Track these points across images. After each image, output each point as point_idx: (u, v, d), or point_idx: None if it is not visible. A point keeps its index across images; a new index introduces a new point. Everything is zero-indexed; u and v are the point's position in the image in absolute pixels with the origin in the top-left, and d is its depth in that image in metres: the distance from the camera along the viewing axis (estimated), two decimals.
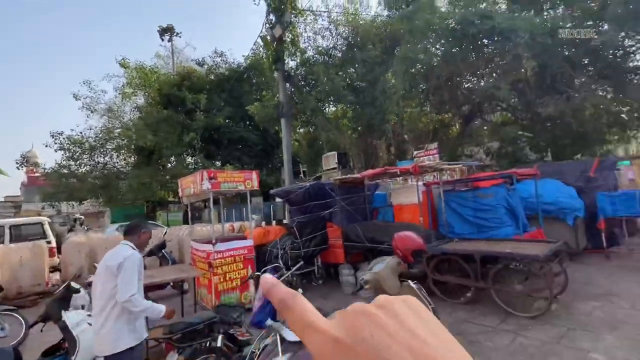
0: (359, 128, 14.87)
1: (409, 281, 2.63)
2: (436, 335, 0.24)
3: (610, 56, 10.84)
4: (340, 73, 13.61)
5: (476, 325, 3.97)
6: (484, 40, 9.54)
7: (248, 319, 3.46)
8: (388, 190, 8.22)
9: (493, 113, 14.25)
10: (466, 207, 5.90)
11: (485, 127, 9.83)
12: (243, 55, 25.74)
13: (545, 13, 11.67)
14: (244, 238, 5.83)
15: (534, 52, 9.58)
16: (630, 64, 10.98)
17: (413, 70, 10.77)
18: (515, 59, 8.75)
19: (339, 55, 13.87)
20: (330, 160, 12.53)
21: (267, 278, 0.32)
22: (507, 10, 10.49)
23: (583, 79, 11.61)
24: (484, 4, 11.29)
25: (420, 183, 6.74)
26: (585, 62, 11.50)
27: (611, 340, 3.35)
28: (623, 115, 10.68)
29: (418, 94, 11.92)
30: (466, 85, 10.56)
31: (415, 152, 10.04)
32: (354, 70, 14.04)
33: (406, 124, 12.94)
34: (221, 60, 20.67)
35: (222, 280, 5.16)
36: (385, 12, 13.20)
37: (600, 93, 11.96)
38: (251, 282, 4.95)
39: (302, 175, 15.39)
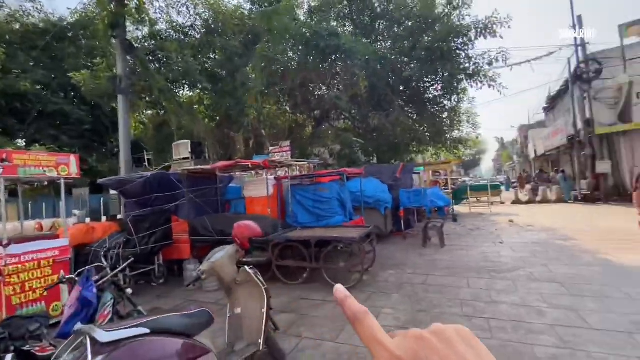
0: (217, 118, 14.31)
1: (245, 267, 2.82)
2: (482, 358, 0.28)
3: (416, 87, 14.52)
4: (198, 56, 12.70)
5: (308, 301, 4.61)
6: (332, 56, 10.96)
7: (54, 331, 2.85)
8: (243, 183, 8.34)
9: (338, 120, 16.56)
10: (308, 199, 6.70)
11: (330, 132, 11.35)
12: (68, 8, 20.16)
13: (378, 44, 14.45)
14: (56, 237, 4.70)
15: (368, 73, 11.73)
16: (428, 96, 15.03)
17: (274, 68, 11.24)
18: (354, 77, 10.47)
19: (197, 36, 12.91)
20: (182, 149, 11.52)
21: (341, 289, 0.37)
22: (352, 34, 12.42)
23: (399, 102, 15.04)
24: (335, 23, 12.95)
25: (271, 177, 7.16)
26: (401, 88, 14.97)
27: (397, 297, 4.57)
28: (424, 134, 14.52)
29: (276, 93, 12.52)
30: (317, 93, 11.87)
31: (270, 148, 10.54)
32: (213, 56, 13.37)
33: (264, 119, 13.38)
34: (33, 6, 15.59)
35: (18, 291, 4.01)
36: (248, 6, 13.17)
37: (409, 114, 15.83)
38: (64, 287, 4.08)
39: (146, 164, 13.51)
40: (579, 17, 14.70)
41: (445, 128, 14.69)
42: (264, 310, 2.71)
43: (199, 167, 6.60)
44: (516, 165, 39.70)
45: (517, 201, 16.97)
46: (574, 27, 14.71)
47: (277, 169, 7.71)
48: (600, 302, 3.81)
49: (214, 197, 7.40)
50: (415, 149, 16.06)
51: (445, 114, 14.96)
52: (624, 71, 13.05)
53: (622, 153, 13.27)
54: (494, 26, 11.22)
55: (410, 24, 12.44)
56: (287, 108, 14.23)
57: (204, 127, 12.99)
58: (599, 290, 4.17)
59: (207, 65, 13.48)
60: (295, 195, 6.75)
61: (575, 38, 14.55)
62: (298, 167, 8.39)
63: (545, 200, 15.82)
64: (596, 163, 13.89)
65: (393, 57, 13.18)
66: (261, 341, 2.65)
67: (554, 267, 5.34)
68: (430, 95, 14.91)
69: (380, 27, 14.12)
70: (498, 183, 20.28)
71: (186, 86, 13.87)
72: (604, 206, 12.57)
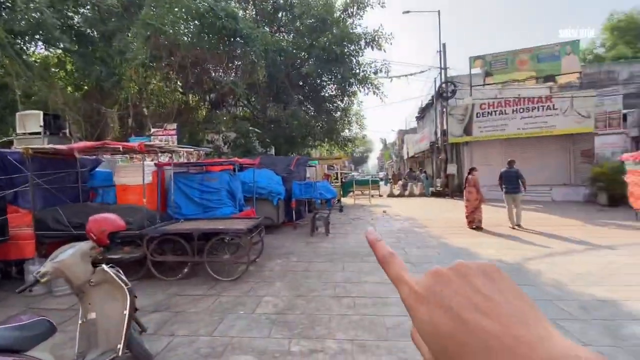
0: (85, 88, 11.88)
1: (103, 266, 2.48)
2: (501, 292, 0.28)
3: (313, 84, 15.18)
4: (59, 8, 10.20)
5: (186, 297, 4.37)
6: (230, 38, 10.41)
7: None
8: (115, 168, 7.17)
9: (236, 106, 15.93)
10: (194, 189, 6.28)
11: (225, 118, 10.83)
12: None
13: (279, 35, 14.43)
14: None
15: (267, 63, 11.63)
16: (324, 94, 15.90)
17: (161, 40, 9.93)
18: (252, 64, 10.22)
19: None
20: (30, 121, 9.06)
21: (373, 232, 0.38)
22: (254, 20, 12.05)
23: (298, 96, 15.45)
24: (236, 4, 12.30)
25: (151, 163, 6.42)
26: (300, 83, 15.40)
27: (279, 285, 4.78)
28: (320, 130, 15.29)
29: (164, 69, 11.16)
30: (213, 75, 11.12)
31: (153, 130, 9.38)
32: (79, 11, 10.97)
33: (148, 96, 11.76)
34: None
35: None
36: None
37: (306, 110, 16.46)
38: None
39: None
40: (444, 45, 17.92)
41: (338, 126, 15.86)
42: (126, 312, 2.45)
43: (49, 146, 5.37)
44: (394, 164, 46.01)
45: (391, 195, 19.76)
46: (439, 53, 17.86)
47: (159, 154, 6.94)
48: None
49: (73, 184, 6.18)
50: (311, 143, 16.85)
51: (339, 113, 16.15)
52: (470, 94, 16.60)
53: (464, 158, 16.92)
54: (380, 40, 12.67)
55: (310, 21, 12.86)
56: (179, 88, 12.89)
57: (65, 98, 10.58)
58: None
59: (72, 22, 10.97)
60: (179, 185, 6.23)
61: (440, 62, 17.71)
62: (185, 154, 7.74)
63: (412, 195, 18.90)
64: (447, 166, 17.37)
65: (294, 50, 13.41)
66: (120, 346, 2.40)
67: (409, 250, 6.49)
68: (327, 94, 15.83)
69: (283, 19, 14.14)
70: (377, 179, 23.15)
71: (40, 43, 10.99)
72: (451, 200, 15.86)
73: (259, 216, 6.59)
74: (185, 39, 9.79)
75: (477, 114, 15.61)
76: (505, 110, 15.11)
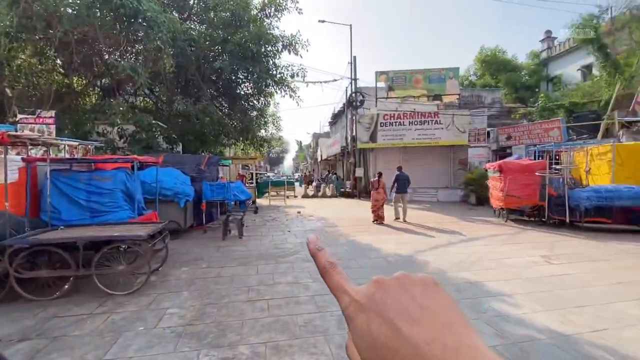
0: None
1: None
2: (436, 302, 0.29)
3: (228, 80, 14.51)
4: None
5: (66, 318, 3.68)
6: (131, 19, 9.16)
7: None
8: None
9: (136, 96, 14.09)
10: (79, 190, 5.33)
11: (122, 108, 9.44)
12: None
13: (190, 23, 13.38)
14: None
15: (176, 52, 10.64)
16: (240, 92, 15.34)
17: (35, 8, 8.06)
18: (157, 51, 9.21)
19: None
20: None
21: (314, 240, 0.36)
22: (162, 4, 10.83)
23: (211, 90, 14.56)
24: None
25: (17, 157, 5.22)
26: (213, 78, 14.55)
27: (186, 294, 4.44)
28: (235, 128, 14.62)
29: (38, 42, 9.12)
30: (107, 58, 9.58)
31: (20, 116, 7.56)
32: None
33: (15, 74, 9.43)
34: None
35: None
36: None
37: (220, 106, 15.63)
38: None
39: None
40: (354, 57, 19.36)
41: (254, 126, 15.52)
42: None
43: None
44: (309, 166, 47.48)
45: (306, 195, 20.35)
46: (350, 64, 19.24)
47: (29, 147, 5.66)
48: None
49: None
50: (224, 141, 16.06)
51: (255, 113, 15.82)
52: (375, 105, 18.33)
53: (370, 163, 18.59)
54: (297, 45, 12.94)
55: (226, 15, 12.28)
56: (59, 68, 10.69)
57: None
58: (345, 264, 5.67)
59: None
60: (58, 184, 5.20)
61: (351, 73, 19.08)
62: (66, 147, 6.46)
63: (324, 195, 19.83)
64: (356, 169, 18.83)
65: (206, 42, 12.60)
66: None
67: None
68: (242, 92, 15.33)
69: (195, 7, 13.15)
70: (293, 180, 23.59)
71: None
72: (358, 200, 17.22)
73: (163, 220, 5.99)
74: (70, 10, 8.22)
75: (381, 123, 17.35)
76: (403, 122, 17.20)
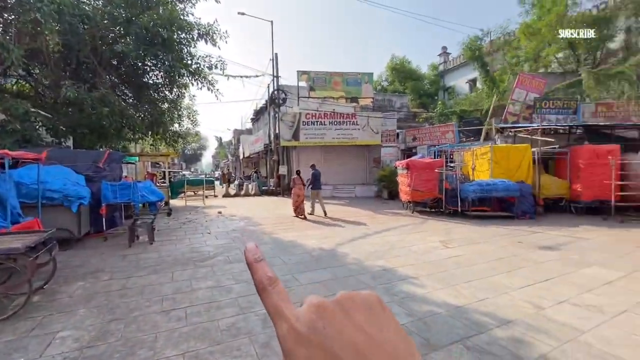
0: None
1: None
2: (382, 330, 0.28)
3: (133, 66, 12.84)
4: None
5: None
6: None
7: None
8: None
9: (5, 77, 11.39)
10: None
11: None
12: None
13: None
14: None
15: (62, 28, 8.95)
16: (148, 81, 13.70)
17: None
18: (35, 24, 7.59)
19: None
20: None
21: (254, 250, 0.33)
22: None
23: (111, 77, 12.69)
24: None
25: None
26: (115, 63, 12.70)
27: (83, 312, 3.80)
28: (142, 121, 12.97)
29: None
30: None
31: None
32: None
33: None
34: None
35: None
36: None
37: (123, 96, 13.75)
38: None
39: None
40: (276, 54, 19.22)
41: (166, 119, 14.07)
42: None
43: None
44: (230, 163, 45.46)
45: (227, 195, 19.46)
46: (272, 61, 19.04)
47: None
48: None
49: None
50: (129, 136, 14.17)
51: (166, 105, 14.36)
52: (297, 104, 18.55)
53: (293, 161, 18.76)
54: (214, 35, 12.18)
55: None
56: None
57: None
58: (270, 261, 5.59)
59: None
60: None
61: (273, 70, 18.90)
62: None
63: (247, 194, 19.27)
64: (279, 167, 18.79)
65: (105, 21, 10.89)
66: None
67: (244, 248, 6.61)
68: (151, 81, 13.74)
69: None
70: (213, 178, 22.30)
71: None
72: (282, 198, 17.23)
73: (49, 228, 5.01)
74: None
75: (303, 122, 17.66)
76: (324, 122, 17.84)
